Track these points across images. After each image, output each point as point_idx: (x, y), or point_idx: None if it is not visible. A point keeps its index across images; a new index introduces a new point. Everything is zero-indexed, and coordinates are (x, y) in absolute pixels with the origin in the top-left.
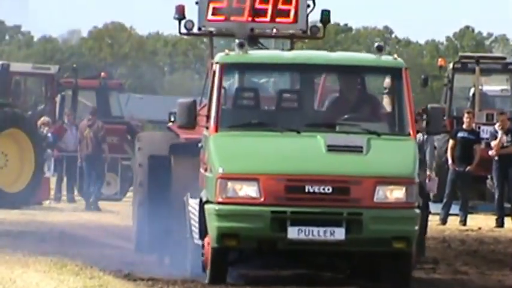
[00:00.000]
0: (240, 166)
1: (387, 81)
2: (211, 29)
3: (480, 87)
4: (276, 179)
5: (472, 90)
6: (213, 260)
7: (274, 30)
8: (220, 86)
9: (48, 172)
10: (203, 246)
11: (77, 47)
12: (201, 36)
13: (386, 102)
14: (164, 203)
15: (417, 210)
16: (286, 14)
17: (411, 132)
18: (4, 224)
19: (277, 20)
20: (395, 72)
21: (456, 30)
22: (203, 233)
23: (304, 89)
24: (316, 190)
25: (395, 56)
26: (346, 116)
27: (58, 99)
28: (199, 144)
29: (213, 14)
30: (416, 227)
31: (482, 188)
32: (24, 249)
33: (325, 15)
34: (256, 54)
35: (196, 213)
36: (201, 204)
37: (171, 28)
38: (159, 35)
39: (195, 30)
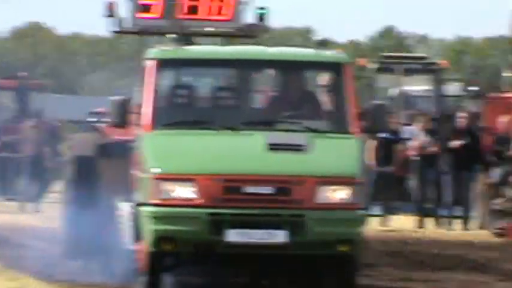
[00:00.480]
0: (176, 166)
1: (324, 78)
2: (142, 26)
3: (402, 87)
4: (214, 179)
5: (393, 91)
6: (148, 265)
7: (209, 28)
8: (154, 83)
9: None
10: (137, 250)
11: None
12: (131, 34)
13: (328, 99)
14: (92, 205)
15: (362, 212)
16: (222, 11)
17: (355, 130)
18: None
19: (213, 17)
20: (337, 68)
21: (377, 30)
22: (137, 237)
23: (242, 85)
24: (256, 191)
25: (338, 50)
26: (286, 114)
27: None
28: (132, 144)
29: (144, 12)
30: (362, 229)
31: (403, 189)
32: None
33: (262, 13)
34: (192, 50)
35: (128, 216)
36: (135, 207)
37: (92, 28)
38: (78, 35)
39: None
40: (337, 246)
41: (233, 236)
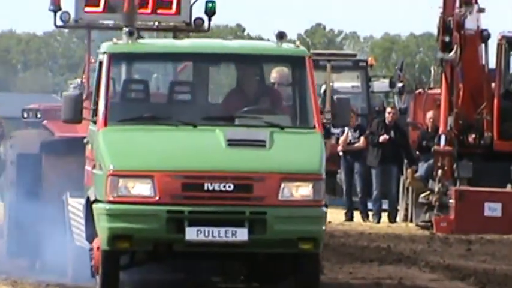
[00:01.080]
0: (132, 162)
1: (274, 75)
2: (90, 20)
3: (331, 84)
4: (172, 176)
5: (323, 87)
6: (103, 264)
7: (156, 22)
8: (108, 78)
9: None
10: (91, 249)
11: None
12: (77, 29)
13: (288, 93)
14: (36, 203)
15: (325, 209)
16: (168, 5)
17: (316, 125)
18: None
19: (159, 11)
20: (297, 61)
21: (307, 27)
22: (91, 235)
23: (199, 79)
24: (216, 188)
25: (298, 43)
26: (246, 109)
27: None
28: (85, 140)
29: (90, 5)
30: (324, 227)
31: (332, 183)
32: None
33: (210, 7)
34: (147, 43)
35: (79, 213)
36: (89, 204)
37: (26, 25)
38: (12, 33)
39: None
40: (300, 244)
41: (193, 234)
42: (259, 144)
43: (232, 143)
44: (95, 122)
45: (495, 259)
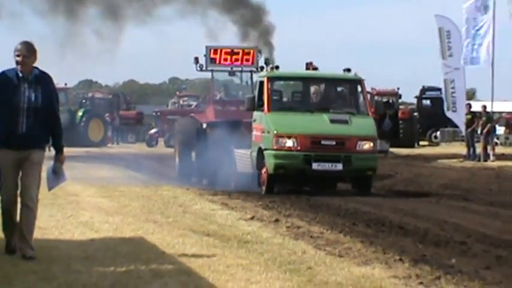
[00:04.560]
0: (285, 129)
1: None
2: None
3: None
4: (306, 136)
5: None
6: (269, 180)
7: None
8: (268, 89)
9: None
10: (259, 173)
11: None
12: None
13: (355, 98)
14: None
15: (376, 155)
16: (248, 60)
17: (370, 113)
18: None
19: (244, 63)
20: (357, 82)
21: None
22: (260, 166)
23: (308, 92)
24: (327, 143)
25: (355, 72)
26: (334, 105)
27: None
28: (252, 119)
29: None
30: (378, 163)
31: None
32: None
33: (267, 61)
34: (284, 71)
35: (242, 156)
36: (261, 151)
37: None
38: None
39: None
40: (367, 172)
41: (316, 166)
42: (345, 121)
43: (332, 121)
44: (261, 110)
45: None
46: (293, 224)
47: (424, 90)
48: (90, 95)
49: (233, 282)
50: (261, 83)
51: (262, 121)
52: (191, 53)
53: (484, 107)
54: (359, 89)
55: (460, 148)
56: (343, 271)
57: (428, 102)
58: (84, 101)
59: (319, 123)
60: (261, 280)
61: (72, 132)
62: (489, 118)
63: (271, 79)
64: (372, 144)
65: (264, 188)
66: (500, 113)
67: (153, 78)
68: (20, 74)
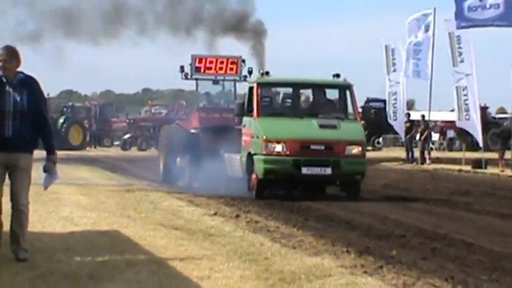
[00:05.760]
0: (274, 134)
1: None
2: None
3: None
4: (295, 141)
5: None
6: (258, 185)
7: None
8: (257, 95)
9: None
10: (249, 178)
11: None
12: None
13: (344, 103)
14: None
15: (365, 159)
16: (232, 70)
17: (358, 118)
18: None
19: (228, 72)
20: (345, 87)
21: None
22: (250, 171)
23: (297, 97)
24: (316, 147)
25: (344, 78)
26: (323, 110)
27: None
28: (242, 125)
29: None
30: (366, 167)
31: None
32: None
33: (250, 70)
34: (272, 78)
35: (231, 161)
36: (250, 155)
37: None
38: None
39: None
40: (355, 176)
41: (305, 170)
42: (334, 126)
43: (321, 126)
44: (251, 116)
45: None
46: (252, 219)
47: (368, 101)
48: (70, 104)
49: (198, 271)
50: (251, 88)
51: (252, 126)
52: (162, 67)
53: (423, 116)
54: (348, 94)
55: (400, 152)
56: (296, 261)
57: (372, 111)
58: (65, 109)
59: (308, 128)
60: (223, 269)
61: (54, 137)
62: (426, 126)
63: (261, 85)
64: (360, 148)
65: (254, 192)
66: (435, 121)
67: (127, 88)
68: (4, 79)
